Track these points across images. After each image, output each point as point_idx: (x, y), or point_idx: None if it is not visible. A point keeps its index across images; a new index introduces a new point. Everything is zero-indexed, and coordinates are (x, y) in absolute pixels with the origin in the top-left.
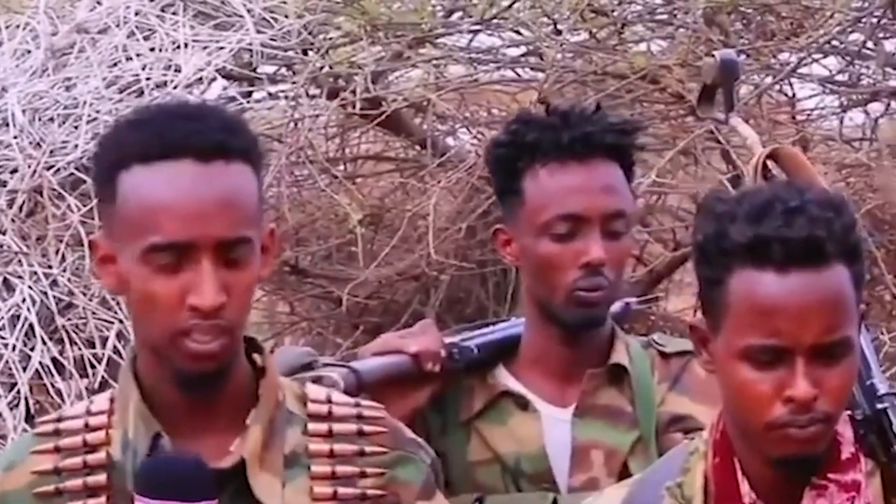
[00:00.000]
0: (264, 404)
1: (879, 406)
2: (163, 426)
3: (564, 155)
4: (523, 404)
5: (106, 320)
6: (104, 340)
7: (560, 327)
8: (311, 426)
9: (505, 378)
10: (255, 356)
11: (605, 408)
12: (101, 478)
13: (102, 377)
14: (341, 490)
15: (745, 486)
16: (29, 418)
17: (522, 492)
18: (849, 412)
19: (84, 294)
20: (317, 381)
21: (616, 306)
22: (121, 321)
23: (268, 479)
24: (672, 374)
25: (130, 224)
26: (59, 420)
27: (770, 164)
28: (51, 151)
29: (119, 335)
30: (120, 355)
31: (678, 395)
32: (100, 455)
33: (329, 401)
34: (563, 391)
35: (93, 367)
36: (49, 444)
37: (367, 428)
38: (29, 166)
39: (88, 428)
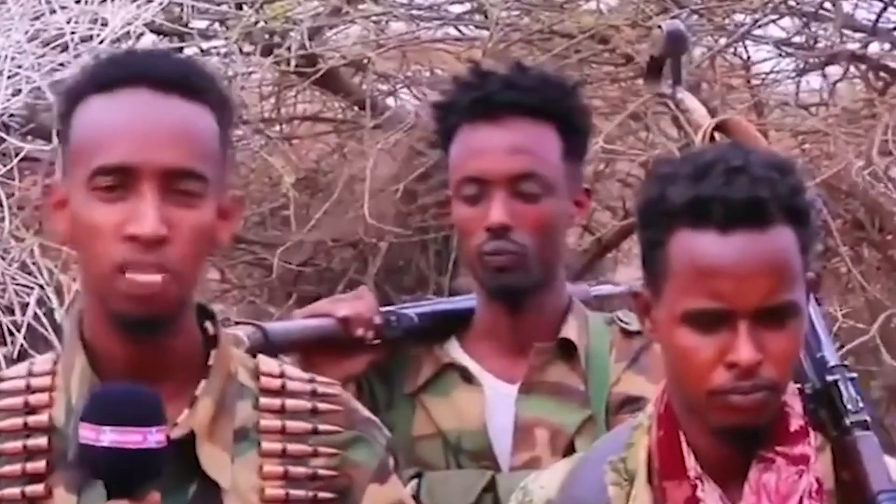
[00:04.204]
0: (216, 375)
1: (829, 378)
2: None
3: (474, 115)
4: (467, 377)
5: (26, 286)
6: (24, 307)
7: (493, 297)
8: (263, 401)
9: (454, 350)
10: (208, 324)
11: (554, 385)
12: (41, 441)
13: (22, 345)
14: (292, 469)
15: (690, 460)
16: None
17: (462, 469)
18: (798, 385)
19: (3, 258)
20: None
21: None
22: (42, 287)
23: (217, 454)
24: (632, 353)
25: (81, 150)
26: None
27: (718, 135)
28: None
29: (40, 302)
30: (41, 323)
31: (635, 374)
32: (41, 417)
33: (282, 375)
34: (513, 365)
35: (11, 334)
36: None
37: (321, 405)
38: None
39: (30, 389)
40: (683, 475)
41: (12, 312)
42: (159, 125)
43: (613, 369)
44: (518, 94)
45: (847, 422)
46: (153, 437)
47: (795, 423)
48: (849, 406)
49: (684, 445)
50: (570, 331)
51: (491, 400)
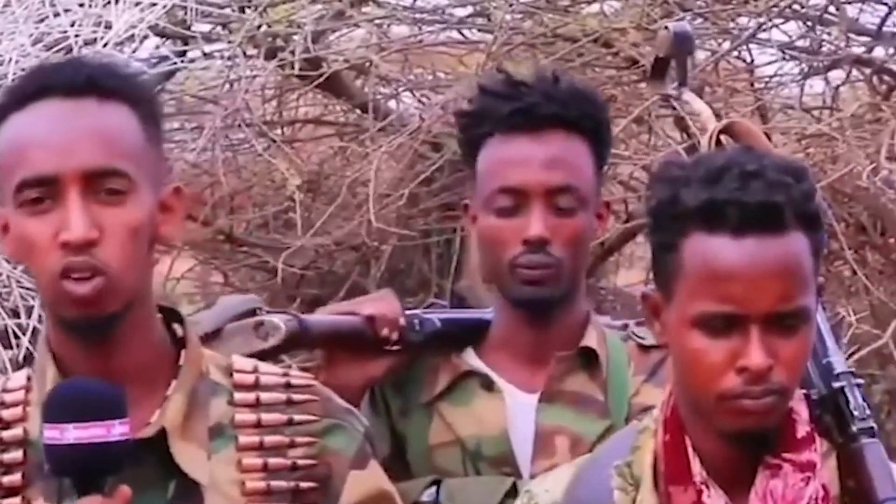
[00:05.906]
0: (185, 375)
1: (836, 385)
2: None
3: (511, 126)
4: (488, 385)
5: (31, 289)
6: (29, 310)
7: (519, 308)
8: (238, 395)
9: (472, 359)
10: (176, 327)
11: (574, 394)
12: (16, 454)
13: (27, 349)
14: (271, 461)
15: (696, 465)
16: None
17: (482, 475)
18: (804, 391)
19: (8, 262)
20: (258, 326)
21: None
22: None
23: (192, 450)
24: (650, 366)
25: (5, 169)
26: None
27: (724, 138)
28: None
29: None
30: None
31: (654, 386)
32: (16, 431)
33: (255, 370)
34: (532, 375)
35: (17, 337)
36: None
37: (295, 396)
38: None
39: (4, 405)
40: (689, 480)
41: (17, 315)
42: (73, 130)
43: (632, 382)
44: (558, 107)
45: (853, 429)
46: (117, 430)
47: (802, 430)
48: (855, 413)
49: (690, 450)
50: (591, 340)
51: (511, 408)
